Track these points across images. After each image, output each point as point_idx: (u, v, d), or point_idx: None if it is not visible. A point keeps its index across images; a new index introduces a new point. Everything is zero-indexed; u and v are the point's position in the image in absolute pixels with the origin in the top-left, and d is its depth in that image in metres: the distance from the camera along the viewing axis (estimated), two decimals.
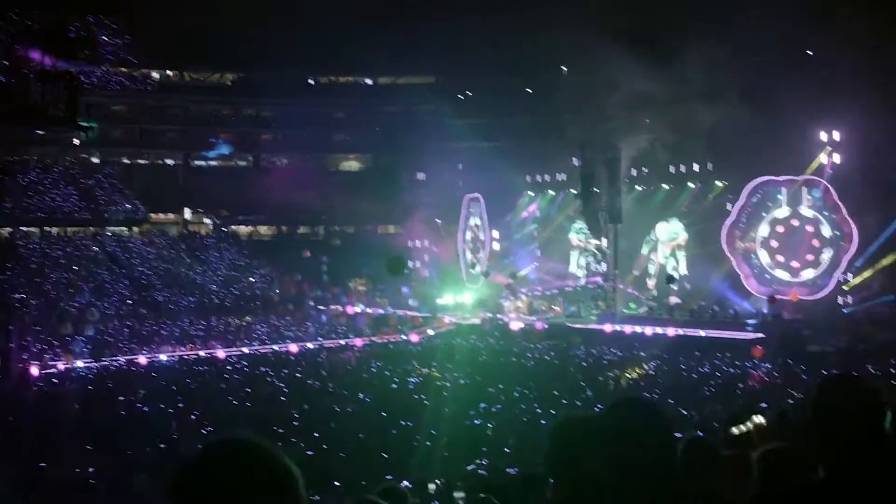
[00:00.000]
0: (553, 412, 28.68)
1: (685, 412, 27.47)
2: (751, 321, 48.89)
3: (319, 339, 51.53)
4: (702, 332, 47.14)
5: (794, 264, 51.33)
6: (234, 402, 31.51)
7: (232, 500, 2.38)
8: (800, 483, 4.79)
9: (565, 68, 60.25)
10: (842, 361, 36.92)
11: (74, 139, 62.84)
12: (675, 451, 3.51)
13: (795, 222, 51.45)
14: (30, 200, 57.47)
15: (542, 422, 25.98)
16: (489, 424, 27.22)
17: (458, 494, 14.35)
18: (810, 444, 3.93)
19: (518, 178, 66.94)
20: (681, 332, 47.85)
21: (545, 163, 64.77)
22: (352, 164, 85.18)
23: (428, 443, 23.98)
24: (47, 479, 21.13)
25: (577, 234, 62.14)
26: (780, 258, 51.90)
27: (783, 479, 5.45)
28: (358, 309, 60.89)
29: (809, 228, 50.89)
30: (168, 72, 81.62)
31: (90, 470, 21.39)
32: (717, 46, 45.78)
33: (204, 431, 25.47)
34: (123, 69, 75.75)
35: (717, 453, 6.21)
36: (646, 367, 39.44)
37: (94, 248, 67.60)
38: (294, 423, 27.48)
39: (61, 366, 40.18)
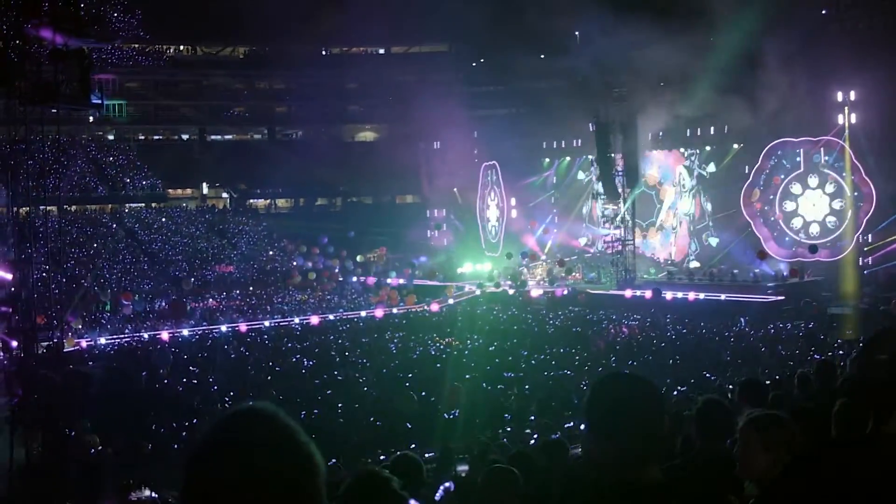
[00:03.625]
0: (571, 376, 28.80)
1: (708, 375, 27.52)
2: (771, 284, 48.80)
3: (340, 310, 51.62)
4: (722, 296, 47.09)
5: (813, 226, 51.12)
6: (257, 373, 31.65)
7: (248, 473, 2.36)
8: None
9: (578, 33, 59.87)
10: (862, 322, 36.84)
11: (89, 116, 62.92)
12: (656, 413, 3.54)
13: (813, 183, 51.21)
14: (47, 178, 57.64)
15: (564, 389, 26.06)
16: (510, 392, 27.29)
17: (462, 467, 14.34)
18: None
19: (534, 145, 66.78)
20: (701, 296, 47.82)
21: (561, 129, 64.51)
22: (367, 135, 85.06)
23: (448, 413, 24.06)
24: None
25: (596, 199, 61.86)
26: (799, 221, 51.68)
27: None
28: (387, 279, 60.80)
29: (829, 190, 50.65)
30: (181, 47, 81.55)
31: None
32: (731, 7, 45.54)
33: (226, 405, 25.59)
34: (136, 45, 75.72)
35: (732, 416, 6.20)
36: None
37: (113, 224, 67.76)
38: (315, 393, 27.61)
39: (84, 343, 40.36)
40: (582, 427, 4.19)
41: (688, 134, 57.70)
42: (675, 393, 23.08)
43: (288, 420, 2.44)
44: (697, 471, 5.70)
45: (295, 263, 64.46)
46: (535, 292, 54.83)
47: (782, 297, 45.39)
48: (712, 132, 56.67)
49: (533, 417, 23.51)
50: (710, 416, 6.20)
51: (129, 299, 50.21)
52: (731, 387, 19.01)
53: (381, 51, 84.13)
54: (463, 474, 12.23)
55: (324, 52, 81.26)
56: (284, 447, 2.39)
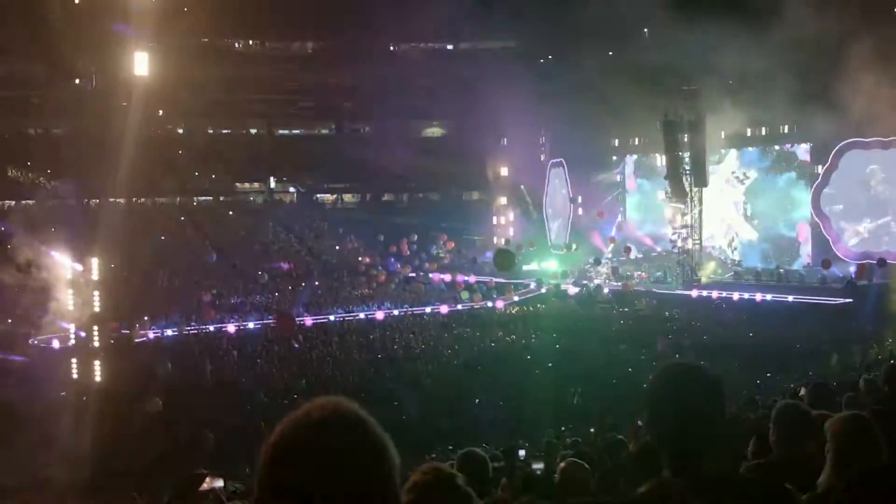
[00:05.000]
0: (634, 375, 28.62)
1: (774, 377, 27.25)
2: (838, 286, 48.16)
3: (406, 305, 51.70)
4: (790, 298, 46.55)
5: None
6: (320, 366, 31.82)
7: (323, 465, 2.34)
8: None
9: (647, 30, 59.47)
10: None
11: (159, 111, 63.53)
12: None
13: (881, 187, 50.52)
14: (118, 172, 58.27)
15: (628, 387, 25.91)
16: (574, 390, 27.22)
17: (538, 465, 14.31)
18: None
19: (602, 143, 66.53)
20: (768, 297, 47.30)
21: (629, 126, 64.17)
22: (434, 131, 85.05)
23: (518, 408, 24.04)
24: None
25: (664, 198, 61.40)
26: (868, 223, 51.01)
27: None
28: (449, 277, 60.69)
29: None
30: (249, 41, 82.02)
31: None
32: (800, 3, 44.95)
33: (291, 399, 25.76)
34: (205, 40, 76.32)
35: (810, 416, 6.12)
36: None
37: (182, 217, 68.44)
38: (380, 388, 27.70)
39: (151, 334, 40.85)
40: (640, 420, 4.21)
41: (757, 133, 57.18)
42: (745, 394, 22.88)
43: (364, 415, 2.43)
44: (773, 471, 5.63)
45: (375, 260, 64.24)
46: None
47: (851, 300, 44.74)
48: (785, 131, 56.13)
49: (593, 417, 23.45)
50: (790, 419, 6.12)
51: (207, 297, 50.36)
52: (795, 388, 18.79)
53: (450, 46, 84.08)
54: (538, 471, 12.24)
55: (392, 48, 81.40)
56: (362, 444, 2.37)
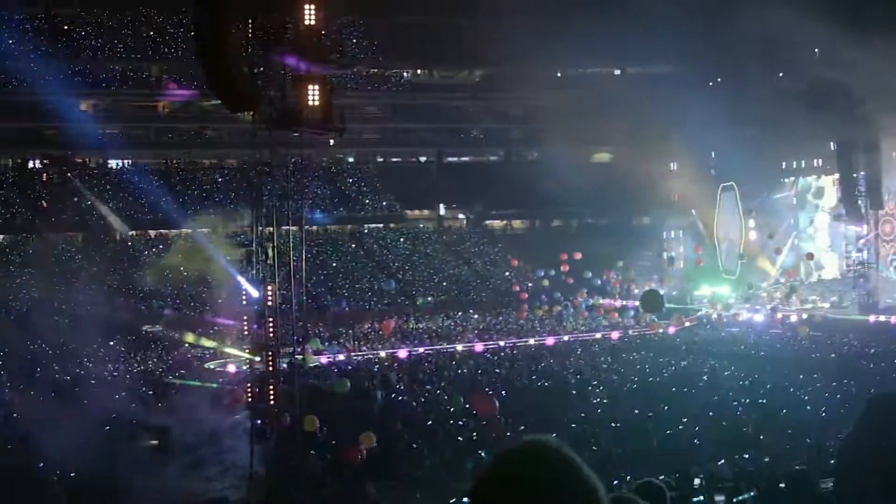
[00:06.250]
0: (809, 407, 27.85)
1: None
2: None
3: (575, 332, 51.50)
4: None
5: None
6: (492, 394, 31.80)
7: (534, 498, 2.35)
8: None
9: (817, 50, 58.24)
10: None
11: (330, 140, 64.78)
12: None
13: None
14: (289, 200, 59.60)
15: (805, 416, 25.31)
16: (748, 417, 26.66)
17: (719, 498, 14.08)
18: None
19: (773, 165, 65.42)
20: None
21: (801, 148, 62.98)
22: (603, 156, 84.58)
23: (692, 437, 23.71)
24: None
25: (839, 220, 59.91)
26: None
27: None
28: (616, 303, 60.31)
29: None
30: (418, 71, 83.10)
31: None
32: None
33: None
34: (374, 70, 77.73)
35: None
36: None
37: (352, 244, 69.63)
38: (548, 415, 27.57)
39: (324, 359, 41.52)
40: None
41: None
42: None
43: (571, 453, 2.42)
44: None
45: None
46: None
47: None
48: None
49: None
50: None
51: (388, 328, 50.75)
52: None
53: (617, 71, 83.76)
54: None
55: (559, 74, 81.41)
56: (570, 483, 2.36)
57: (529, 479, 2.37)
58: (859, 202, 54.63)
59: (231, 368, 40.42)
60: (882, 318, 49.08)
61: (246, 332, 30.50)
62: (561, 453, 2.41)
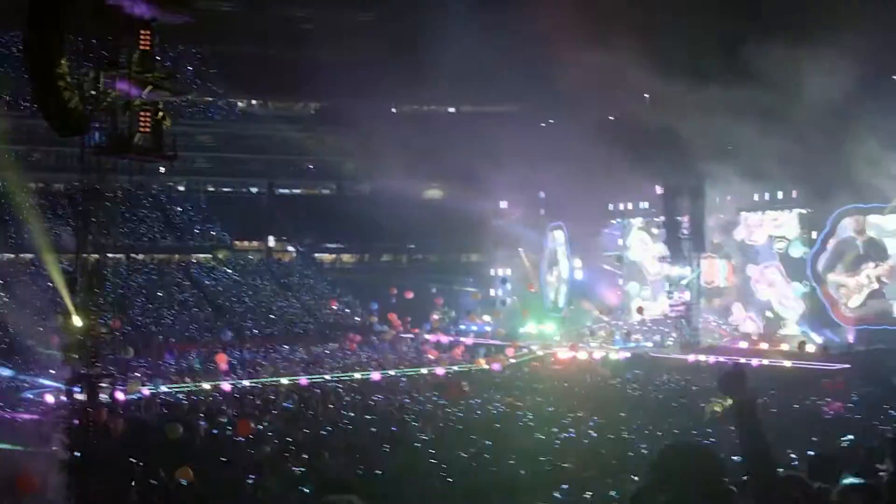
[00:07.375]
0: (638, 443, 28.37)
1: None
2: (835, 351, 48.05)
3: (401, 367, 51.49)
4: (787, 363, 46.31)
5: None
6: (312, 428, 31.57)
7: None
8: None
9: (648, 94, 59.78)
10: None
11: (160, 167, 63.90)
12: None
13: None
14: (116, 227, 58.48)
15: (630, 453, 25.70)
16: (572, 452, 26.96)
17: None
18: None
19: (601, 207, 66.76)
20: (765, 362, 47.02)
21: (628, 191, 64.57)
22: (435, 193, 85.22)
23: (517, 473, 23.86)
24: None
25: (662, 262, 61.46)
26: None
27: None
28: (445, 338, 60.59)
29: None
30: (252, 101, 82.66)
31: None
32: (801, 68, 45.10)
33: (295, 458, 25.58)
34: (208, 99, 77.03)
35: (811, 489, 6.10)
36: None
37: (179, 274, 68.59)
38: (379, 449, 27.46)
39: (146, 391, 40.57)
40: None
41: (756, 198, 57.28)
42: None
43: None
44: None
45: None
46: (598, 354, 54.30)
47: (848, 366, 44.32)
48: (780, 196, 56.24)
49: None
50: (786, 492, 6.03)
51: (223, 360, 49.74)
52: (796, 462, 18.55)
53: (452, 109, 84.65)
54: None
55: (394, 110, 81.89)
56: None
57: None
58: (682, 245, 56.16)
59: (49, 399, 39.18)
60: (702, 357, 50.39)
61: (66, 362, 29.67)
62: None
